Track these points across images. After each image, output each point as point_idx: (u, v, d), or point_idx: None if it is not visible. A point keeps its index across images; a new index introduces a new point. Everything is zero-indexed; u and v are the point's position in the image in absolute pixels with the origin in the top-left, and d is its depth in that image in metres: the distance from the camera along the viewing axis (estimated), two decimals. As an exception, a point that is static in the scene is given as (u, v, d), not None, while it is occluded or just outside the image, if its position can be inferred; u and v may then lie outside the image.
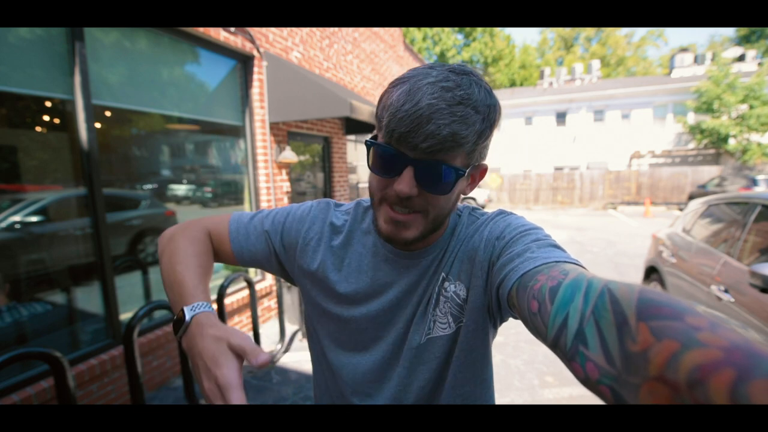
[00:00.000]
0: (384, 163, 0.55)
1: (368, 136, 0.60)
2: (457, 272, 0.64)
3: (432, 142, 0.50)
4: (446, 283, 0.65)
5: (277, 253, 0.73)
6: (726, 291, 2.32)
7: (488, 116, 0.53)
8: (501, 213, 0.66)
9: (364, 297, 0.68)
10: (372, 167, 0.57)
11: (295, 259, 0.72)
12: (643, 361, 0.29)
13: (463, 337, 0.64)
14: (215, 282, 3.59)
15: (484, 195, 13.75)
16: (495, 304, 0.58)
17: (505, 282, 0.51)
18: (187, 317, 0.55)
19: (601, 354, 0.33)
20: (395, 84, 0.54)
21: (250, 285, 3.09)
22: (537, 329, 0.43)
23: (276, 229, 0.73)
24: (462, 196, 0.63)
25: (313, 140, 4.97)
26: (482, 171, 0.62)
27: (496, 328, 0.68)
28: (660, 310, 0.30)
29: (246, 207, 3.94)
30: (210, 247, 0.72)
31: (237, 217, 0.75)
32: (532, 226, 0.60)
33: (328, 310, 0.71)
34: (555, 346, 0.39)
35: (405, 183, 0.53)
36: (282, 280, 3.56)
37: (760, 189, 10.23)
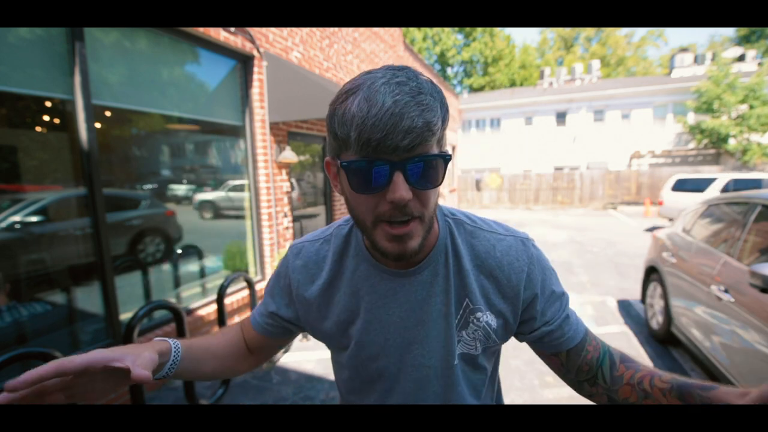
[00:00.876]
0: (369, 179, 0.52)
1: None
2: (488, 303, 0.65)
3: (411, 137, 0.48)
4: (478, 313, 0.65)
5: (286, 317, 0.74)
6: (726, 291, 2.32)
7: (442, 102, 0.52)
8: (525, 242, 0.68)
9: (366, 323, 0.66)
10: (356, 189, 0.53)
11: (298, 307, 0.72)
12: (620, 379, 0.65)
13: (488, 356, 0.70)
14: (215, 282, 3.59)
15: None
16: (520, 335, 0.71)
17: (558, 344, 0.68)
18: None
19: (603, 381, 0.67)
20: (345, 98, 0.51)
21: (250, 285, 3.09)
22: (577, 375, 0.69)
23: (273, 300, 0.75)
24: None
25: (313, 140, 4.97)
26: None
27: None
28: (630, 359, 0.67)
29: (246, 206, 3.94)
30: (234, 331, 0.79)
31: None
32: (555, 272, 0.71)
33: (336, 343, 0.70)
34: (588, 385, 0.68)
35: (401, 189, 0.50)
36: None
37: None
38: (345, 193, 0.58)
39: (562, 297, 0.69)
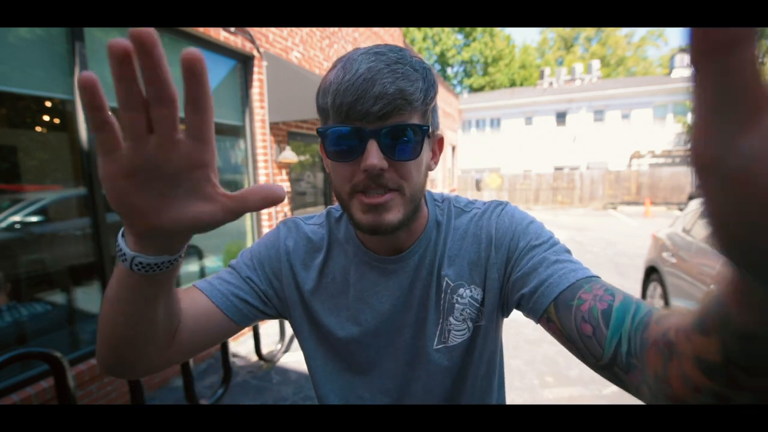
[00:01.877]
0: (344, 145, 0.52)
1: None
2: (469, 275, 0.62)
3: (382, 103, 0.48)
4: (461, 290, 0.62)
5: (263, 289, 0.64)
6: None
7: (427, 76, 0.52)
8: (499, 205, 0.65)
9: (356, 311, 0.65)
10: (332, 156, 0.53)
11: (284, 283, 0.66)
12: (647, 343, 0.38)
13: (482, 335, 0.64)
14: (215, 282, 3.59)
15: None
16: (511, 304, 0.60)
17: (539, 298, 0.53)
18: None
19: (636, 359, 0.39)
20: (328, 71, 0.53)
21: (250, 285, 3.09)
22: (588, 349, 0.46)
23: (252, 265, 0.65)
24: (430, 173, 0.61)
25: (313, 140, 4.97)
26: (440, 142, 0.61)
27: (506, 316, 0.67)
28: (673, 315, 0.38)
29: (246, 207, 3.95)
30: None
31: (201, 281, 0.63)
32: (537, 223, 0.61)
33: (326, 331, 0.66)
34: (610, 364, 0.44)
35: (373, 155, 0.50)
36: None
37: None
38: (328, 167, 0.58)
39: (541, 245, 0.57)
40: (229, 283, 0.61)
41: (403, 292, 0.64)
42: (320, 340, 0.67)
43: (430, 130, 0.55)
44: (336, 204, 0.70)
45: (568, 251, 0.57)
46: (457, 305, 0.62)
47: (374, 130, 0.50)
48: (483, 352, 0.65)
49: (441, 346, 0.63)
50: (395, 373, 0.66)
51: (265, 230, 4.00)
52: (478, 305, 0.62)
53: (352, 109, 0.49)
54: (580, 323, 0.46)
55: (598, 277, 0.52)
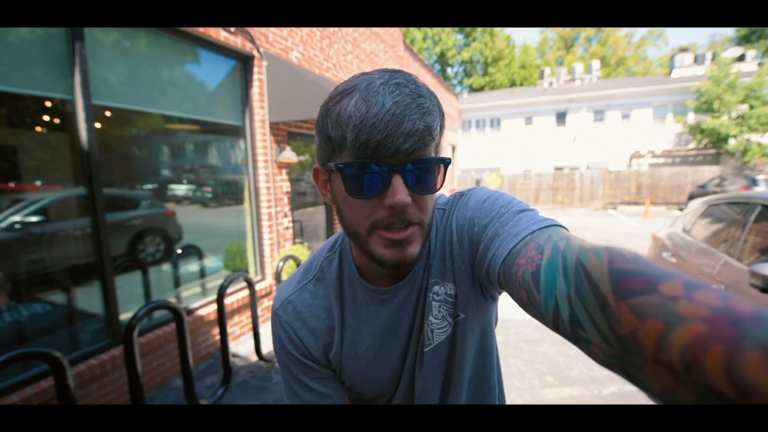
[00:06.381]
0: (367, 182, 0.49)
1: None
2: (441, 272, 0.63)
3: (413, 140, 0.47)
4: (435, 287, 0.63)
5: (325, 364, 0.68)
6: (726, 291, 2.32)
7: (440, 107, 0.52)
8: (461, 196, 0.64)
9: (381, 344, 0.66)
10: (351, 193, 0.50)
11: (323, 362, 0.68)
12: (635, 343, 0.29)
13: (462, 327, 0.64)
14: (215, 282, 3.59)
15: None
16: (488, 284, 0.58)
17: (492, 272, 0.52)
18: None
19: (598, 336, 0.34)
20: (339, 99, 0.49)
21: (250, 285, 3.09)
22: (535, 316, 0.45)
23: (301, 360, 0.66)
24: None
25: (313, 140, 4.97)
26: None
27: (495, 299, 0.66)
28: (634, 284, 0.31)
29: (246, 207, 3.94)
30: None
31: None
32: (494, 197, 0.59)
33: (357, 396, 0.71)
34: (557, 331, 0.41)
35: (401, 192, 0.48)
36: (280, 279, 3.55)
37: (760, 189, 10.21)
38: (337, 200, 0.55)
39: (491, 222, 0.56)
40: (314, 390, 0.65)
41: (411, 312, 0.65)
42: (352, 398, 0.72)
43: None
44: (321, 247, 0.70)
45: (521, 210, 0.55)
46: (434, 303, 0.63)
47: (400, 165, 0.48)
48: (468, 342, 0.65)
49: (428, 348, 0.64)
50: (393, 377, 0.68)
51: (265, 230, 3.99)
52: (453, 300, 0.63)
53: (381, 146, 0.46)
54: (518, 290, 0.45)
55: (544, 228, 0.49)
